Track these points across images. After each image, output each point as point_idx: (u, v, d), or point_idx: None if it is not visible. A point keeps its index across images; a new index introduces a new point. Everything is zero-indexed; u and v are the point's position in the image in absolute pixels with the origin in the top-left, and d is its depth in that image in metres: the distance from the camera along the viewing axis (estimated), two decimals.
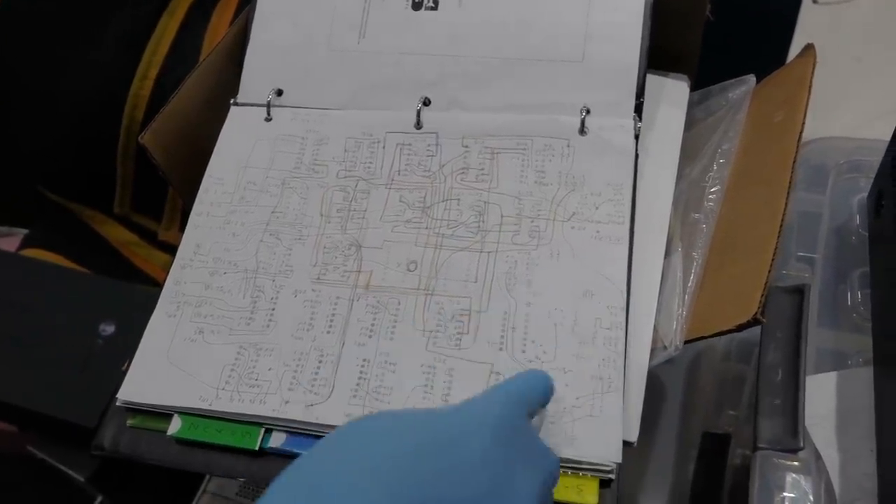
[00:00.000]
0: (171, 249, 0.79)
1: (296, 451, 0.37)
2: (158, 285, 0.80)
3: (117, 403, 0.39)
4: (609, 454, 0.35)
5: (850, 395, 0.45)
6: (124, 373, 0.40)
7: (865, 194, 0.51)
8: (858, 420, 0.43)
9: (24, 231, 0.87)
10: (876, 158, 0.48)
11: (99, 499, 0.77)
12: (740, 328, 0.34)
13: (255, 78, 0.48)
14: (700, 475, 0.54)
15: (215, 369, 0.39)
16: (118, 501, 0.78)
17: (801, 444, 0.38)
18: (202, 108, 0.48)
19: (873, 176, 0.50)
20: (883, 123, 0.48)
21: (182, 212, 0.77)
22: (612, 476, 0.35)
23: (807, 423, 0.39)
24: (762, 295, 0.34)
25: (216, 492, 0.61)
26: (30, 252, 0.81)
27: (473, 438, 0.28)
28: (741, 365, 0.60)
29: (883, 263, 0.45)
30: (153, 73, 0.71)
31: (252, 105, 0.48)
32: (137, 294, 0.72)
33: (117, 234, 0.81)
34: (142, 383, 0.40)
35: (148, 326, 0.41)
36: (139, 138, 0.44)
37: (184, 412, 0.39)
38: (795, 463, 0.39)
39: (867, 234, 0.50)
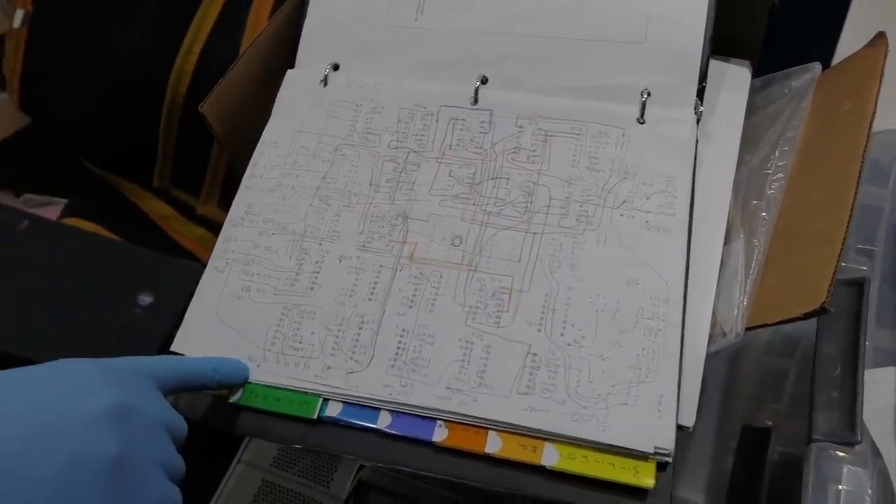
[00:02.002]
0: (208, 224, 0.79)
1: (350, 420, 0.36)
2: (194, 259, 0.80)
3: None
4: (644, 443, 0.33)
5: None
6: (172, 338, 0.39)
7: None
8: None
9: (65, 201, 0.88)
10: None
11: None
12: (806, 317, 0.32)
13: (311, 51, 0.46)
14: (739, 468, 0.51)
15: (261, 329, 0.38)
16: None
17: (859, 438, 0.36)
18: (258, 79, 0.46)
19: None
20: None
21: (221, 187, 0.76)
22: (668, 460, 0.32)
23: (864, 417, 0.36)
24: (830, 285, 0.31)
25: (251, 461, 0.61)
26: (70, 222, 0.81)
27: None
28: (784, 358, 0.57)
29: None
30: (197, 47, 0.70)
31: None
32: (175, 267, 0.71)
33: (155, 207, 0.81)
34: (193, 338, 0.39)
35: (200, 282, 0.40)
36: (199, 107, 0.42)
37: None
38: (852, 456, 0.37)
39: None
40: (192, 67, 0.71)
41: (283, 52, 0.47)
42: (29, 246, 0.74)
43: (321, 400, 0.37)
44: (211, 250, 0.83)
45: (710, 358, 0.37)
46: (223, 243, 0.41)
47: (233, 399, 0.37)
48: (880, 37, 0.40)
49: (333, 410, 0.36)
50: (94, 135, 0.80)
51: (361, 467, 0.59)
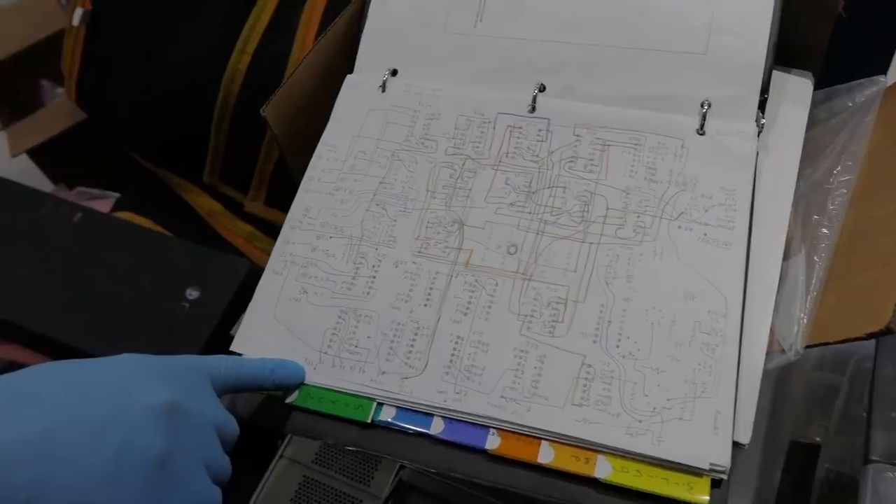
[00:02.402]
0: (255, 221, 0.80)
1: (404, 425, 0.36)
2: (240, 255, 0.81)
3: None
4: (699, 459, 0.32)
5: None
6: (232, 336, 0.40)
7: None
8: None
9: (116, 195, 0.90)
10: None
11: None
12: (870, 337, 0.31)
13: (370, 56, 0.47)
14: (786, 484, 0.50)
15: (318, 331, 0.39)
16: None
17: None
18: (317, 83, 0.47)
19: None
20: None
21: (268, 184, 0.77)
22: (724, 477, 0.32)
23: None
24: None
25: (293, 457, 0.62)
26: (121, 215, 0.83)
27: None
28: (835, 375, 0.56)
29: None
30: (251, 47, 0.71)
31: None
32: (222, 262, 0.73)
33: (203, 203, 0.83)
34: (251, 339, 0.40)
35: (259, 284, 0.41)
36: (260, 111, 0.43)
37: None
38: None
39: None
40: (245, 67, 0.72)
41: (343, 57, 0.47)
42: (82, 238, 0.76)
43: (375, 404, 0.37)
44: (257, 247, 0.84)
45: (764, 371, 0.36)
46: (282, 246, 0.42)
47: (289, 400, 0.38)
48: None
49: (387, 415, 0.37)
50: (148, 130, 0.82)
51: (402, 468, 0.60)
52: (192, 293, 0.72)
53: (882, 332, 0.31)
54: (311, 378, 0.38)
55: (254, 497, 0.63)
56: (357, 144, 0.44)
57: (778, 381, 0.54)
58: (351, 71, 0.47)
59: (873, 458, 0.37)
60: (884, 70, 0.58)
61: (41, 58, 0.95)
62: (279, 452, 0.64)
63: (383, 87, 0.45)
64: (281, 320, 0.40)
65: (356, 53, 0.48)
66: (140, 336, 0.70)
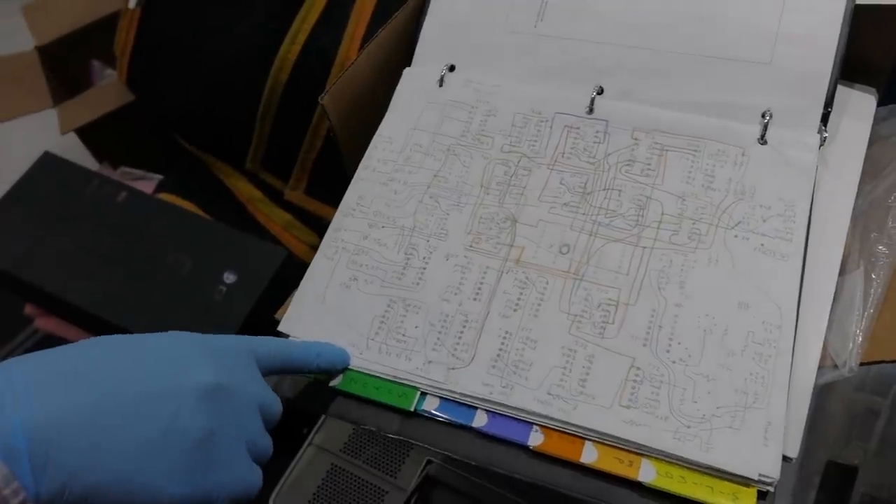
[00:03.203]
0: (294, 209, 0.81)
1: (446, 416, 0.37)
2: (277, 243, 0.82)
3: None
4: (748, 469, 0.32)
5: None
6: (277, 320, 0.40)
7: None
8: None
9: (159, 177, 0.91)
10: None
11: None
12: None
13: (429, 50, 0.47)
14: None
15: (366, 318, 0.39)
16: None
17: None
18: (374, 76, 0.47)
19: None
20: None
21: (309, 174, 0.77)
22: (771, 489, 0.32)
23: None
24: None
25: (322, 445, 0.62)
26: (163, 197, 0.84)
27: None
28: (876, 397, 0.55)
29: None
30: (302, 38, 0.72)
31: None
32: (260, 248, 0.74)
33: (244, 189, 0.84)
34: (299, 321, 0.40)
35: (309, 268, 0.42)
36: (319, 99, 0.44)
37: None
38: None
39: None
40: (294, 57, 0.73)
41: (401, 50, 0.48)
42: (126, 217, 0.78)
43: (419, 393, 0.37)
44: (295, 235, 0.85)
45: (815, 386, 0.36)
46: (333, 232, 0.42)
47: (333, 383, 0.38)
48: None
49: (431, 405, 0.37)
50: (195, 115, 0.83)
51: (429, 462, 0.60)
52: (230, 277, 0.73)
53: None
54: (357, 363, 0.38)
55: (281, 482, 0.63)
56: (413, 137, 0.45)
57: (818, 399, 0.54)
58: (407, 65, 0.47)
59: None
60: None
61: (93, 38, 0.96)
62: (308, 439, 0.65)
63: (441, 81, 0.46)
64: (329, 305, 0.40)
65: (413, 48, 0.48)
66: (177, 316, 0.71)
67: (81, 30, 0.96)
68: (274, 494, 0.62)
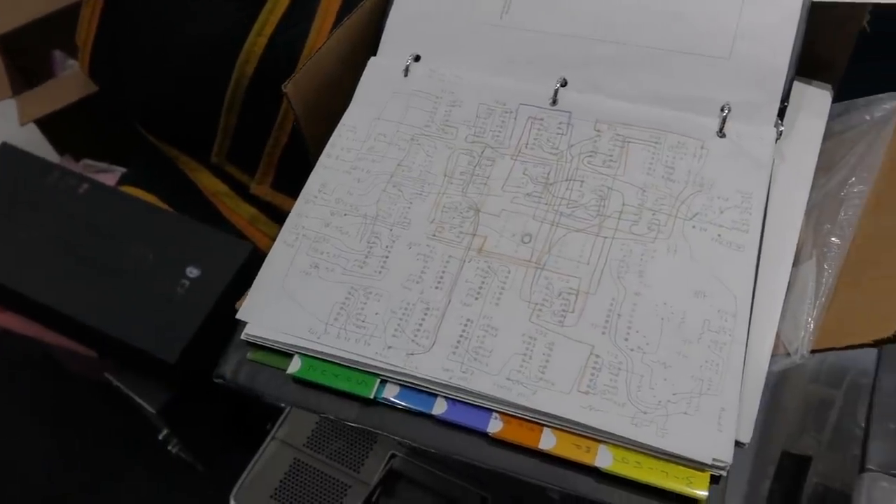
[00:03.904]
0: (260, 204, 0.80)
1: (406, 404, 0.36)
2: (242, 237, 0.81)
3: (241, 337, 0.39)
4: (702, 453, 0.33)
5: None
6: (236, 310, 0.40)
7: None
8: None
9: (122, 169, 0.90)
10: None
11: (165, 431, 0.79)
12: (876, 344, 0.31)
13: (394, 40, 0.47)
14: (776, 494, 0.50)
15: (326, 305, 0.39)
16: (183, 437, 0.80)
17: None
18: (340, 65, 0.47)
19: None
20: None
21: (276, 168, 0.77)
22: (724, 473, 0.32)
23: None
24: None
25: (285, 439, 0.62)
26: (126, 189, 0.82)
27: None
28: (829, 388, 0.56)
29: None
30: (268, 30, 0.72)
31: None
32: (225, 243, 0.73)
33: (209, 183, 0.83)
34: (257, 309, 0.39)
35: (269, 254, 0.41)
36: (282, 87, 0.43)
37: (303, 353, 0.38)
38: None
39: None
40: (260, 49, 0.72)
41: (367, 40, 0.48)
42: (87, 209, 0.76)
43: (379, 380, 0.37)
44: (260, 230, 0.84)
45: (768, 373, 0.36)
46: (294, 218, 0.42)
47: (290, 370, 0.38)
48: None
49: (390, 392, 0.37)
50: (159, 107, 0.81)
51: (393, 456, 0.60)
52: (193, 271, 0.72)
53: (889, 339, 0.31)
54: (315, 346, 0.38)
55: (242, 477, 0.63)
56: (377, 127, 0.44)
57: (773, 391, 0.55)
58: (373, 55, 0.47)
59: (869, 467, 0.37)
60: None
61: (55, 27, 0.94)
62: (271, 433, 0.64)
63: (406, 71, 0.46)
64: (289, 292, 0.40)
65: (379, 37, 0.48)
66: (139, 310, 0.69)
67: (43, 19, 0.94)
68: (235, 490, 0.61)
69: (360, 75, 0.47)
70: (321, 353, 0.38)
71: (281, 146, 0.76)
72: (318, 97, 0.46)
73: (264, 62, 0.72)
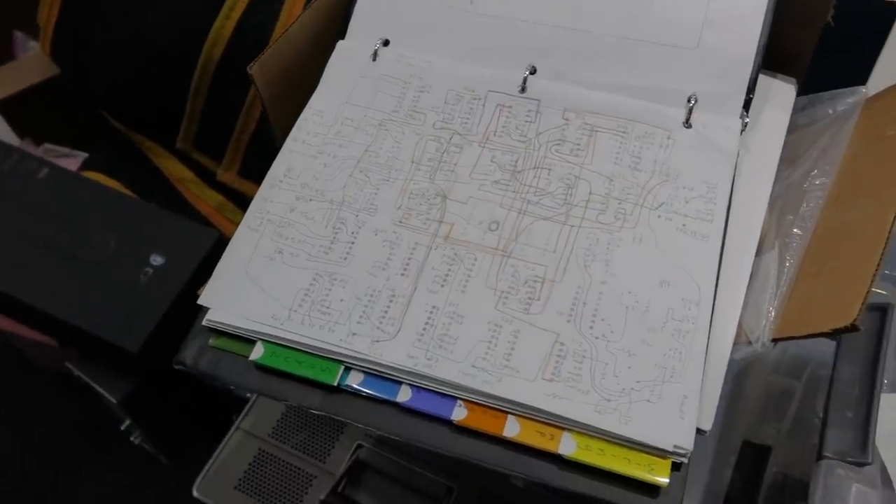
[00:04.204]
0: (227, 191, 0.79)
1: (371, 392, 0.36)
2: (208, 224, 0.79)
3: (203, 323, 0.38)
4: (664, 440, 0.33)
5: None
6: (198, 296, 0.39)
7: None
8: None
9: (85, 154, 0.87)
10: None
11: (127, 422, 0.77)
12: (835, 333, 0.32)
13: (363, 24, 0.46)
14: (737, 483, 0.51)
15: (290, 291, 0.38)
16: (145, 427, 0.78)
17: (870, 459, 0.36)
18: (307, 48, 0.46)
19: None
20: None
21: (244, 155, 0.75)
22: (685, 460, 0.33)
23: (876, 439, 0.37)
24: (862, 304, 0.31)
25: (249, 430, 0.61)
26: (88, 175, 0.80)
27: None
28: (789, 379, 0.57)
29: None
30: (236, 14, 0.70)
31: None
32: (189, 229, 0.71)
33: (174, 169, 0.81)
34: (220, 294, 0.39)
35: (232, 239, 0.40)
36: (248, 68, 0.42)
37: (266, 339, 0.37)
38: (861, 476, 0.37)
39: None
40: (228, 33, 0.71)
41: (336, 23, 0.47)
42: (47, 194, 0.74)
43: (343, 368, 0.37)
44: (226, 217, 0.82)
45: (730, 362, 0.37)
46: (259, 202, 0.41)
47: (253, 357, 0.37)
48: None
49: (354, 380, 0.36)
50: (123, 90, 0.79)
51: (360, 446, 0.59)
52: (157, 259, 0.71)
53: (847, 328, 0.32)
54: (278, 334, 0.37)
55: (206, 468, 0.62)
56: (344, 111, 0.44)
57: (735, 381, 0.55)
58: (342, 37, 0.46)
59: (826, 454, 0.38)
60: (863, 81, 0.60)
61: (16, 8, 0.91)
62: (236, 423, 0.63)
63: (374, 55, 0.45)
64: (252, 277, 0.39)
65: (348, 20, 0.47)
66: (101, 298, 0.68)
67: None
68: (198, 481, 0.60)
69: (329, 58, 0.46)
70: (284, 339, 0.37)
71: (249, 133, 0.75)
72: (285, 80, 0.45)
73: (232, 46, 0.71)
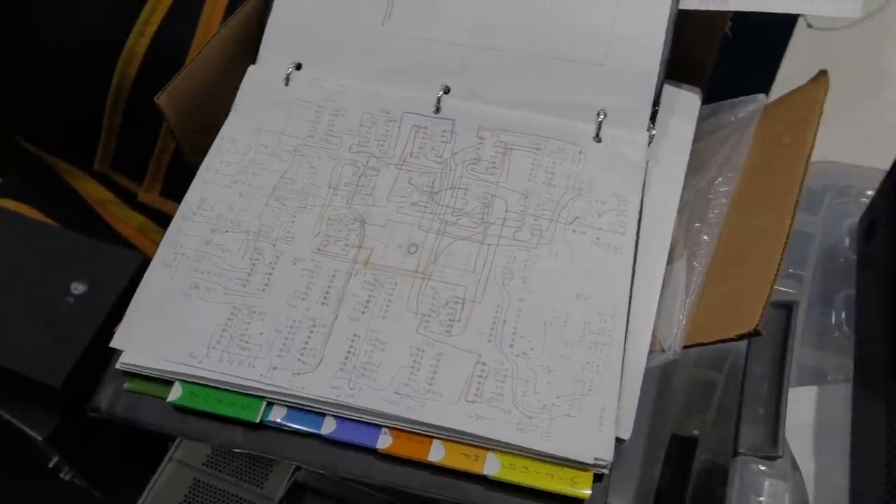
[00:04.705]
0: (149, 211, 0.77)
1: (295, 426, 0.35)
2: (131, 246, 0.77)
3: (117, 366, 0.37)
4: (584, 454, 0.34)
5: (829, 410, 0.44)
6: (114, 332, 0.38)
7: (856, 219, 0.49)
8: (835, 434, 0.42)
9: None
10: (866, 184, 0.47)
11: (55, 458, 0.74)
12: (740, 338, 0.33)
13: (274, 48, 0.46)
14: (666, 476, 0.53)
15: (208, 327, 0.37)
16: (75, 462, 0.75)
17: (780, 453, 0.38)
18: (218, 73, 0.45)
19: (864, 201, 0.48)
20: (866, 150, 0.47)
21: (165, 174, 0.73)
22: (605, 471, 0.33)
23: (786, 433, 0.38)
24: (763, 309, 0.32)
25: (183, 460, 0.59)
26: (2, 203, 0.77)
27: None
28: (712, 372, 0.59)
29: (872, 288, 0.44)
30: (150, 30, 0.68)
31: None
32: (111, 254, 0.69)
33: (93, 192, 0.78)
34: (134, 335, 0.37)
35: (145, 275, 0.39)
36: (155, 98, 0.41)
37: (184, 379, 0.36)
38: (773, 470, 0.39)
39: (855, 258, 0.48)
40: (143, 50, 0.69)
41: (247, 47, 0.46)
42: None
43: (265, 403, 0.36)
44: (150, 238, 0.80)
45: (646, 370, 0.38)
46: (173, 236, 0.40)
47: (171, 398, 0.36)
48: (822, 74, 0.43)
49: (277, 415, 0.36)
50: (35, 112, 0.76)
51: (297, 468, 0.59)
52: (78, 287, 0.68)
53: (750, 333, 0.33)
54: (196, 371, 0.36)
55: (141, 500, 0.60)
56: (258, 138, 0.43)
57: (662, 378, 0.57)
58: (255, 62, 0.46)
59: (741, 451, 0.39)
60: (767, 88, 0.63)
61: None
62: (168, 454, 0.62)
63: (287, 80, 0.44)
64: (167, 315, 0.38)
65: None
66: (20, 332, 0.65)
67: None
68: None
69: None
70: (203, 378, 0.36)
71: (170, 151, 0.73)
72: (197, 107, 0.44)
73: (147, 63, 0.69)
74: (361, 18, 0.45)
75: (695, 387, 0.58)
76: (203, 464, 0.60)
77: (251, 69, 0.45)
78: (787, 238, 0.35)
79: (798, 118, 0.41)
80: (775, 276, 0.34)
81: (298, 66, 0.45)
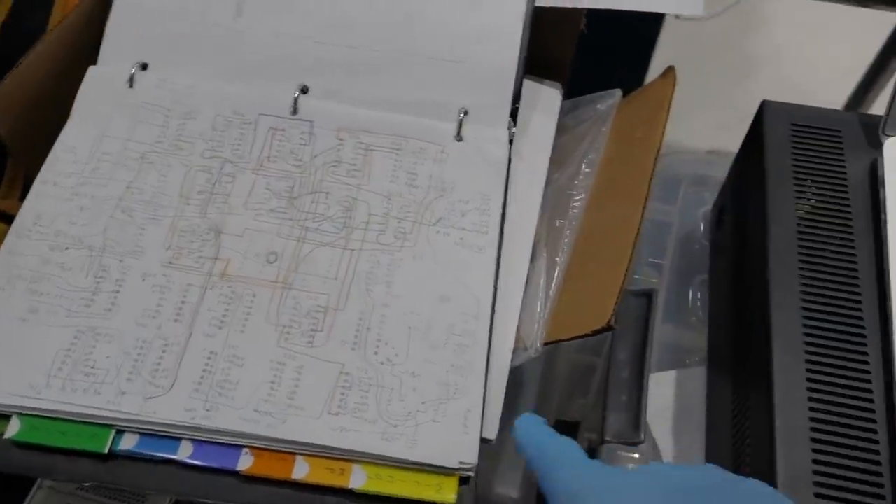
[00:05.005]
0: (9, 219, 0.71)
1: (149, 453, 0.33)
2: None
3: None
4: (449, 459, 0.33)
5: (687, 392, 0.45)
6: None
7: (710, 207, 0.52)
8: (693, 415, 0.44)
9: None
10: (721, 173, 0.49)
11: None
12: (595, 334, 0.34)
13: (117, 46, 0.42)
14: None
15: (48, 354, 0.35)
16: None
17: (642, 438, 0.39)
18: (56, 74, 0.42)
19: (717, 189, 0.51)
20: (727, 135, 0.49)
21: (24, 180, 0.68)
22: (471, 474, 0.33)
23: (648, 417, 0.40)
24: (615, 304, 0.33)
25: (54, 486, 0.56)
26: None
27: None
28: (592, 356, 0.61)
29: (721, 275, 0.46)
30: None
31: None
32: None
33: None
34: None
35: None
36: None
37: (22, 413, 0.34)
38: (636, 455, 0.40)
39: (709, 243, 0.50)
40: None
41: (88, 45, 0.42)
42: None
43: (114, 432, 0.34)
44: None
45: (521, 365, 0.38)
46: (6, 258, 0.37)
47: (8, 435, 0.33)
48: (670, 70, 0.44)
49: (128, 443, 0.34)
50: None
51: None
52: None
53: (604, 329, 0.34)
54: (36, 405, 0.33)
55: None
56: (101, 145, 0.40)
57: (545, 363, 0.58)
58: (95, 62, 0.42)
59: (607, 438, 0.40)
60: (642, 79, 0.64)
61: None
62: (38, 481, 0.58)
63: (131, 81, 0.41)
64: (2, 343, 0.35)
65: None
66: None
67: None
68: None
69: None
70: (43, 409, 0.33)
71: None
72: (32, 112, 0.41)
73: None
74: (211, 13, 0.43)
75: (576, 371, 0.60)
76: (77, 487, 0.56)
77: (91, 70, 0.42)
78: (638, 232, 0.36)
79: (649, 113, 0.42)
80: (626, 270, 0.35)
81: (144, 67, 0.42)
